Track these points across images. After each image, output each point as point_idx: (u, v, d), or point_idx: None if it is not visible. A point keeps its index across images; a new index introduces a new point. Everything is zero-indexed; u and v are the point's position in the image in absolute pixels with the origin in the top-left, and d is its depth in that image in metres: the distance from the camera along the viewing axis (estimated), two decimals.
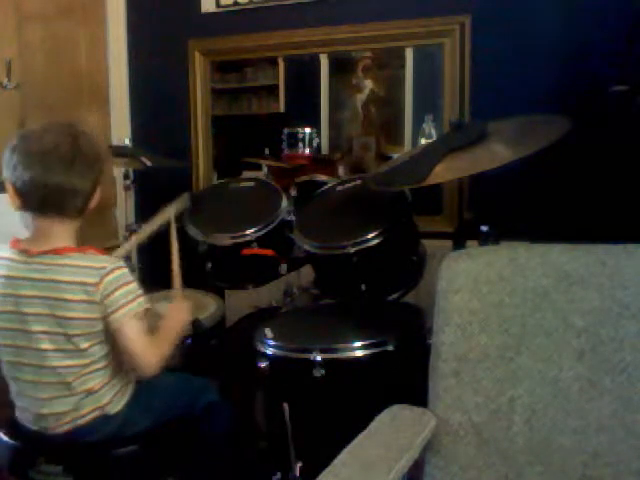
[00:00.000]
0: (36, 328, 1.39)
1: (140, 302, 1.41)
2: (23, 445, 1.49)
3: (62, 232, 1.42)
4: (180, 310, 1.62)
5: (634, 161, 2.10)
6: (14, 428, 1.51)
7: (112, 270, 1.39)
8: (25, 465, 1.47)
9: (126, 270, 1.42)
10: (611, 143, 2.13)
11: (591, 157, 2.17)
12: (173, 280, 1.70)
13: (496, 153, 1.60)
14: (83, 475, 1.46)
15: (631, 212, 2.09)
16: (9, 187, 1.39)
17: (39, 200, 1.38)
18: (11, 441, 1.50)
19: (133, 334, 1.40)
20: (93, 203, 1.45)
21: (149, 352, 1.42)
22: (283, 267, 1.99)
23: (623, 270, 1.25)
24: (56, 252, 1.40)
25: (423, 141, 2.50)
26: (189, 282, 2.14)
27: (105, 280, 1.37)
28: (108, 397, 1.45)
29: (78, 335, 1.39)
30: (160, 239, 1.83)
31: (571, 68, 2.25)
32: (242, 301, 2.41)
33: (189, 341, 1.86)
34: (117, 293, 1.38)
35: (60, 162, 1.36)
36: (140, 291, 1.43)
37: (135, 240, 1.91)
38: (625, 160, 2.13)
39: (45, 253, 1.40)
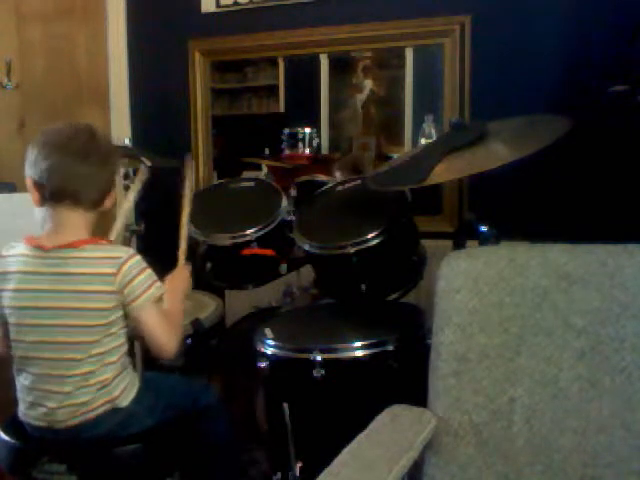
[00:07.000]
0: (52, 322, 1.41)
1: (158, 286, 1.45)
2: (25, 444, 1.48)
3: (76, 223, 1.44)
4: (180, 278, 1.64)
5: (634, 161, 2.10)
6: (15, 427, 1.51)
7: (128, 259, 1.42)
8: (27, 465, 1.47)
9: (139, 257, 1.45)
10: (611, 143, 2.14)
11: (591, 157, 2.17)
12: (180, 242, 1.72)
13: (496, 153, 1.60)
14: (87, 473, 1.46)
15: (631, 212, 2.09)
16: (29, 182, 1.43)
17: (55, 188, 1.40)
18: (12, 441, 1.49)
19: (154, 320, 1.44)
20: (109, 202, 1.49)
21: (170, 335, 1.46)
22: (283, 267, 1.99)
23: (623, 270, 1.25)
24: (71, 245, 1.42)
25: (423, 141, 2.50)
26: None
27: (123, 269, 1.40)
28: (119, 390, 1.47)
29: (93, 326, 1.41)
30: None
31: (571, 68, 2.25)
32: (242, 301, 2.41)
33: (189, 341, 1.86)
34: (135, 281, 1.41)
35: (77, 153, 1.40)
36: (155, 276, 1.46)
37: (120, 221, 1.79)
38: (625, 160, 2.13)
39: (60, 247, 1.42)
